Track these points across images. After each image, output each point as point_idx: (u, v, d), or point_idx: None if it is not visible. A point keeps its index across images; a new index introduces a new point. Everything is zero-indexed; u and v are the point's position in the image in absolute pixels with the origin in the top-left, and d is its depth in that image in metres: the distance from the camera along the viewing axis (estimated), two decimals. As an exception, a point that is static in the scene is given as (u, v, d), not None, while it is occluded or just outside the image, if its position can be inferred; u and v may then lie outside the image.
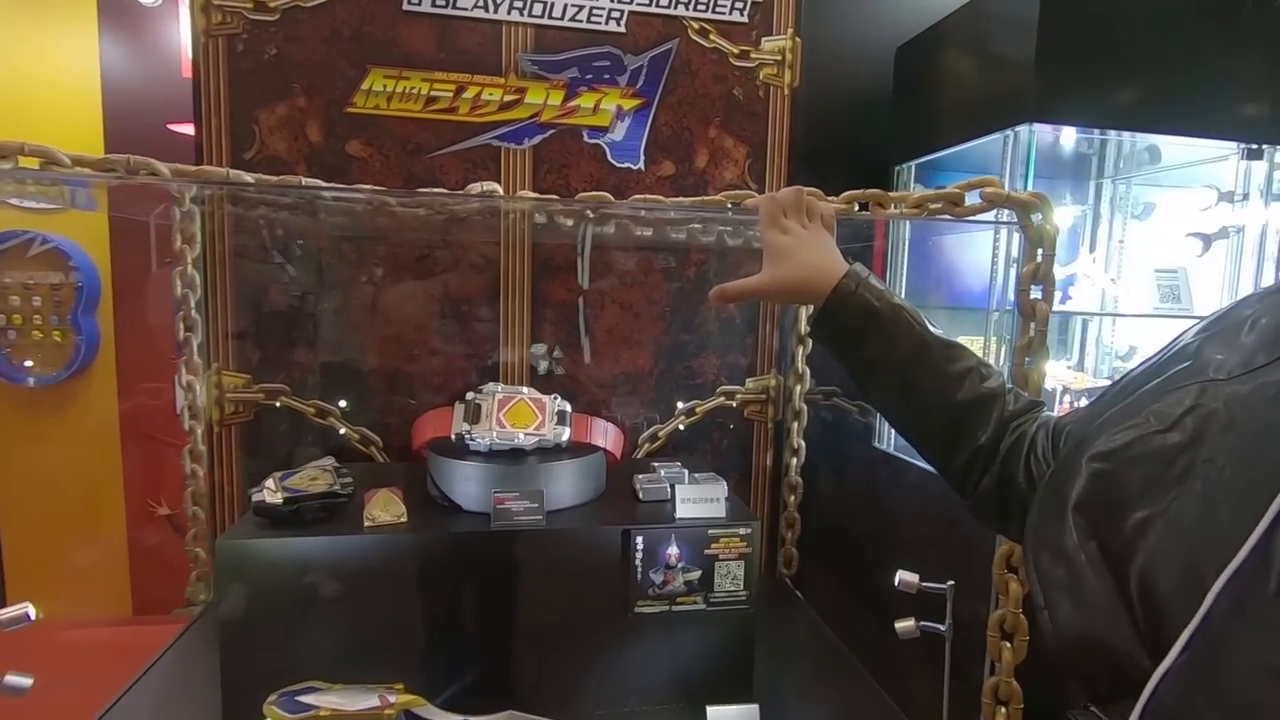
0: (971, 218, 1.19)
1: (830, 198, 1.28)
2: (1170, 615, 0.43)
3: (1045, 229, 1.09)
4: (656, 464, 1.78)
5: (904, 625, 1.23)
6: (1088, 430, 0.57)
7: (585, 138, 1.98)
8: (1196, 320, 0.63)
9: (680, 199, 1.63)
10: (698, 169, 2.04)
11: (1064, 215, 2.03)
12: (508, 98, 1.93)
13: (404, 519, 1.41)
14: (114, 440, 2.82)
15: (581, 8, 1.93)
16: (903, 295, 2.08)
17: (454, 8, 1.87)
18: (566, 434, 1.56)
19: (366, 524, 1.39)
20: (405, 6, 1.85)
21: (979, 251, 1.77)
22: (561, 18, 1.92)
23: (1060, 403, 1.95)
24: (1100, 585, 0.47)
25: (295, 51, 1.84)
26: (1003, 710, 1.17)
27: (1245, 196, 1.64)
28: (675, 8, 1.97)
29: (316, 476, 1.47)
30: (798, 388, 2.09)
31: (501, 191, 1.77)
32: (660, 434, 2.11)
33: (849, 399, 2.16)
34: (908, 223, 1.91)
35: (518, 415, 1.53)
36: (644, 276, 2.06)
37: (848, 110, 2.14)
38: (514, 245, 1.97)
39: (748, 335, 2.15)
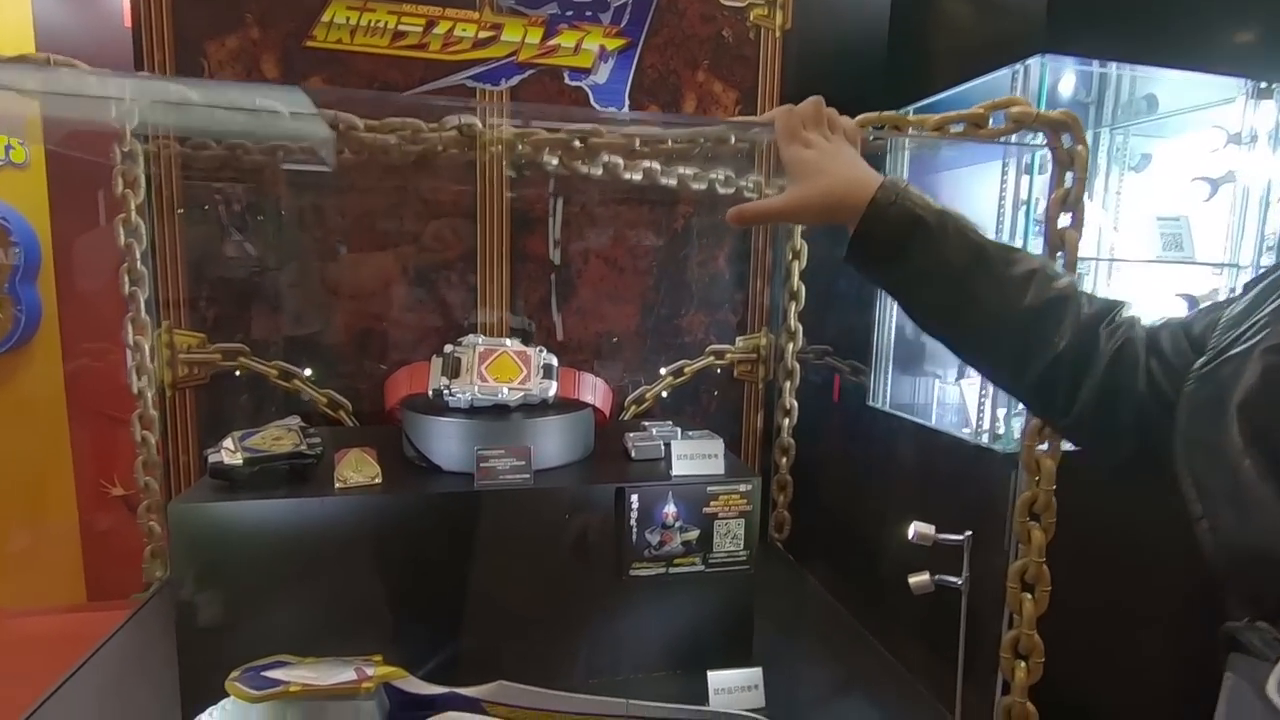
0: (997, 140, 1.11)
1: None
2: None
3: (1077, 151, 1.01)
4: (647, 423, 1.69)
5: (918, 579, 1.16)
6: (1243, 326, 0.49)
7: (566, 79, 1.86)
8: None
9: (676, 117, 1.53)
10: (685, 115, 1.93)
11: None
12: (482, 34, 1.79)
13: (378, 480, 1.30)
14: (60, 417, 2.63)
15: (561, -63, 1.79)
16: None
17: (423, -68, 1.73)
18: (554, 389, 1.45)
19: (337, 486, 1.27)
20: (369, -70, 1.70)
21: (982, 194, 1.70)
22: (540, -53, 1.79)
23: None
24: (1269, 493, 0.40)
25: (247, -24, 1.67)
26: (1022, 664, 1.11)
27: (1253, 138, 1.59)
28: (661, -61, 1.85)
29: (280, 436, 1.34)
30: (790, 345, 2.01)
31: (481, 126, 1.64)
32: (647, 396, 2.01)
33: (841, 357, 2.09)
34: (904, 164, 1.83)
35: (501, 369, 1.42)
36: (629, 230, 1.95)
37: (842, 53, 2.04)
38: (490, 197, 1.84)
39: (737, 291, 2.06)
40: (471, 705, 1.13)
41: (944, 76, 1.78)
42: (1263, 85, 1.56)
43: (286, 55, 1.71)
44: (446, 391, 1.40)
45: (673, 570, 1.37)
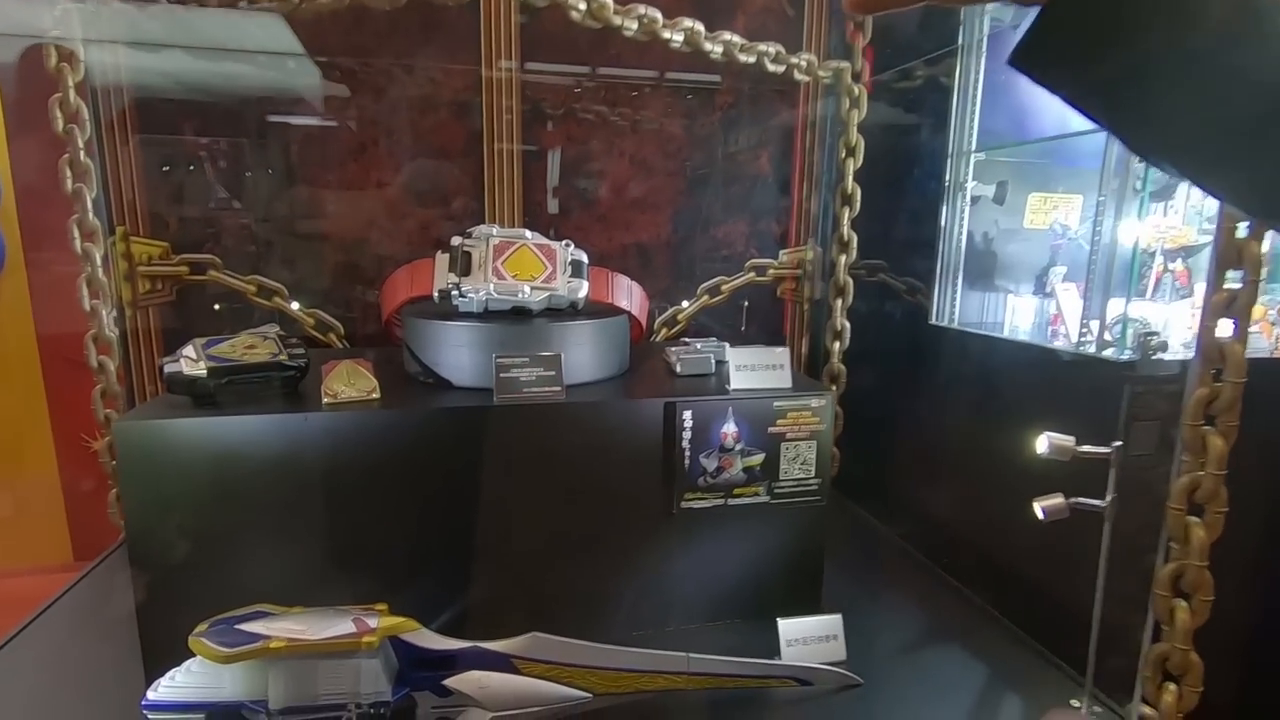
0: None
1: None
2: None
3: None
4: (689, 339, 1.45)
5: (1050, 503, 0.93)
6: None
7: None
8: None
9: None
10: (726, -17, 1.64)
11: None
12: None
13: (376, 395, 1.06)
14: (34, 367, 2.38)
15: None
16: (972, 142, 1.76)
17: None
18: (584, 289, 1.20)
19: (326, 401, 1.03)
20: None
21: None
22: None
23: (1152, 268, 1.65)
24: None
25: None
26: (1183, 604, 0.90)
27: None
28: None
29: (254, 344, 1.10)
30: (842, 258, 1.75)
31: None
32: (679, 317, 1.77)
33: (895, 274, 1.84)
34: (983, 46, 1.55)
35: (520, 264, 1.18)
36: (662, 122, 1.69)
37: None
38: (500, 84, 1.56)
39: (782, 197, 1.80)
40: (499, 662, 0.91)
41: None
42: None
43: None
44: (455, 292, 1.15)
45: (732, 502, 1.15)
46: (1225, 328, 0.84)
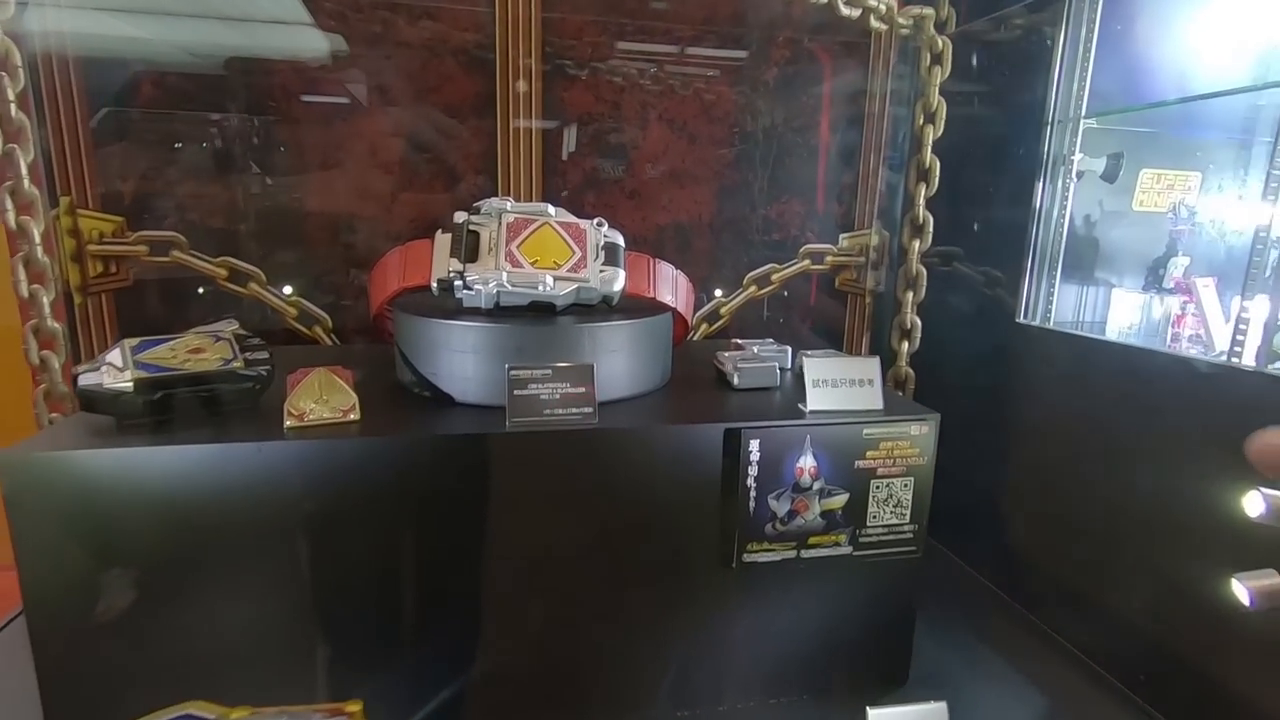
0: None
1: None
2: None
3: None
4: (741, 341, 1.20)
5: (1262, 584, 0.68)
6: None
7: None
8: None
9: None
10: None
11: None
12: None
13: (354, 415, 0.82)
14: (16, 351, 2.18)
15: None
16: (1082, 105, 1.47)
17: None
18: (620, 280, 0.95)
19: (288, 425, 0.79)
20: None
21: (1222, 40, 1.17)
22: None
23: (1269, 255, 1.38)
24: None
25: None
26: None
27: None
28: None
29: (201, 347, 0.86)
30: (915, 244, 1.49)
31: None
32: (722, 311, 1.52)
33: (972, 263, 1.57)
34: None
35: (541, 248, 0.93)
36: (705, 84, 1.42)
37: None
38: (514, 24, 1.31)
39: (845, 172, 1.53)
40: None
41: None
42: None
43: None
44: (459, 282, 0.91)
45: (806, 554, 0.90)
46: None
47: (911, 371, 1.54)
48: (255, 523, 0.77)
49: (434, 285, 0.93)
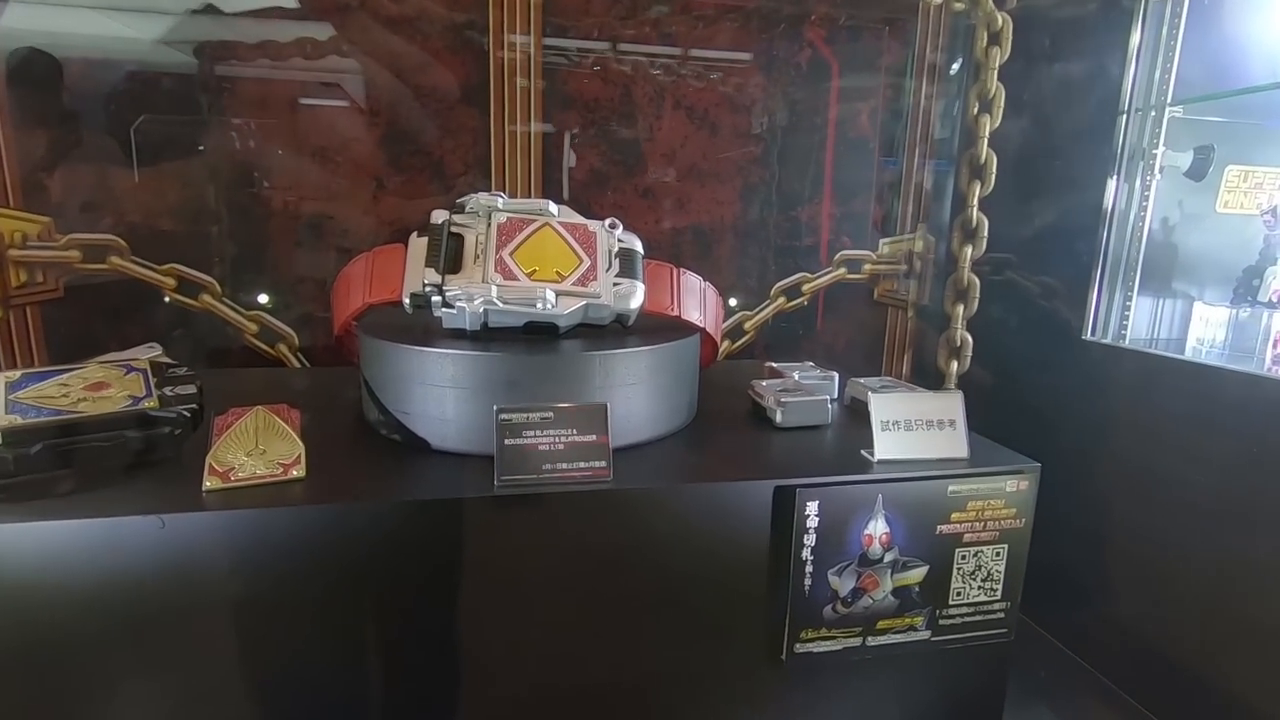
0: None
1: None
2: None
3: None
4: (777, 365, 1.01)
5: None
6: None
7: None
8: None
9: None
10: None
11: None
12: None
13: (299, 469, 0.63)
14: None
15: None
16: (1168, 92, 1.24)
17: None
18: (638, 296, 0.77)
19: (207, 486, 0.60)
20: None
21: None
22: None
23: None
24: None
25: None
26: None
27: None
28: None
29: (104, 382, 0.67)
30: (966, 250, 1.31)
31: None
32: (746, 326, 1.33)
33: (1029, 272, 1.38)
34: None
35: (541, 254, 0.74)
36: (728, 68, 1.24)
37: None
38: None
39: (886, 169, 1.35)
40: None
41: None
42: None
43: None
44: (437, 297, 0.72)
45: (874, 641, 0.72)
46: None
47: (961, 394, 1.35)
48: (159, 616, 0.58)
49: (406, 301, 0.74)
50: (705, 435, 0.81)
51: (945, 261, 1.34)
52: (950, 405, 0.75)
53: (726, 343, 1.32)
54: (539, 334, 0.76)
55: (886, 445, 0.72)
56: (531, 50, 1.15)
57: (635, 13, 1.18)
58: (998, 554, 0.73)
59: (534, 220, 0.76)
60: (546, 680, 0.68)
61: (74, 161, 1.08)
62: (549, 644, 0.66)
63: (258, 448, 0.64)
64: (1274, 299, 1.17)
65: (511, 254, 0.73)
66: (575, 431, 0.65)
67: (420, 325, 0.77)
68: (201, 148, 1.11)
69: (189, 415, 0.68)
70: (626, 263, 0.77)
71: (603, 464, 0.66)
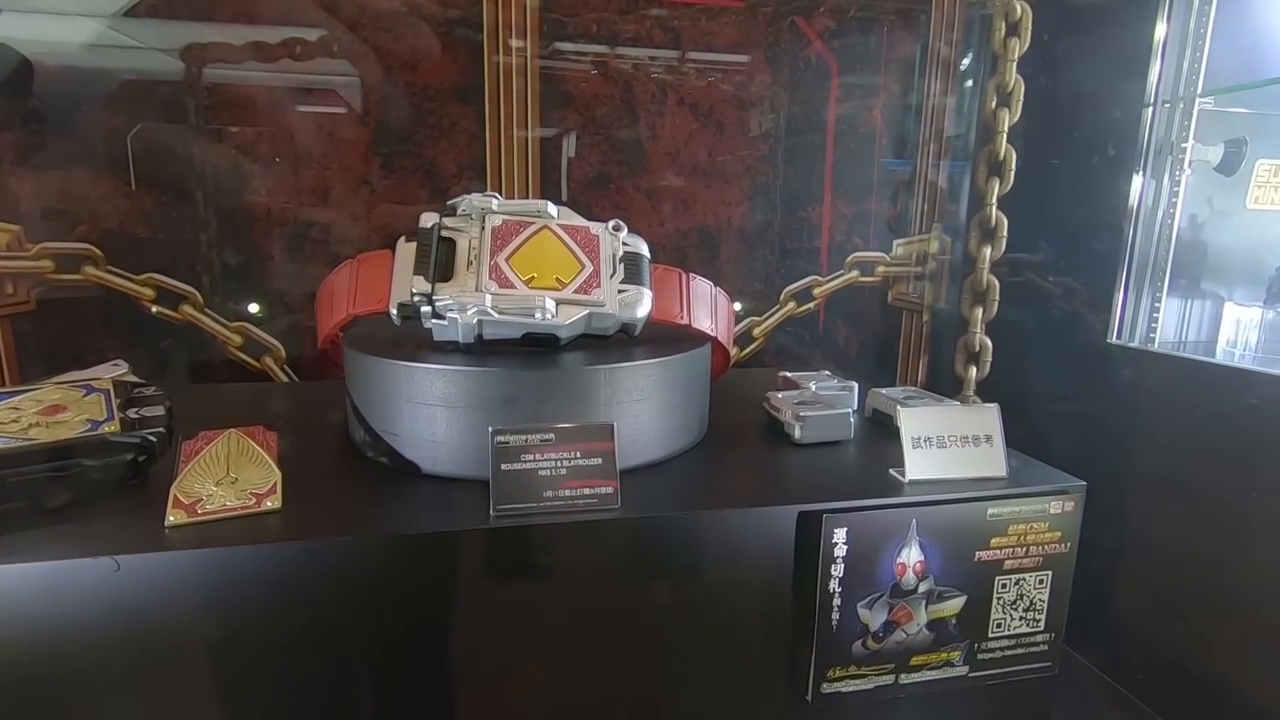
0: None
1: None
2: None
3: None
4: (793, 374, 0.95)
5: None
6: None
7: None
8: None
9: None
10: None
11: None
12: None
13: (274, 500, 0.57)
14: None
15: None
16: (1198, 83, 1.14)
17: None
18: (646, 304, 0.71)
19: (170, 521, 0.54)
20: None
21: None
22: None
23: None
24: None
25: None
26: None
27: None
28: None
29: (61, 404, 0.61)
30: (985, 251, 1.24)
31: None
32: (755, 332, 1.27)
33: (1051, 273, 1.32)
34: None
35: (539, 259, 0.68)
36: (734, 63, 1.18)
37: None
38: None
39: (899, 166, 1.29)
40: None
41: None
42: None
43: None
44: (427, 307, 0.66)
45: (908, 679, 0.65)
46: None
47: (980, 401, 1.29)
48: (119, 666, 0.52)
49: (394, 312, 0.68)
50: (719, 454, 0.75)
51: (962, 262, 1.28)
52: (986, 419, 0.69)
53: (735, 349, 1.26)
54: (538, 346, 0.70)
55: (918, 464, 0.66)
56: (528, 47, 1.09)
57: (637, 5, 1.13)
58: (1040, 581, 0.67)
59: (532, 223, 0.70)
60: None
61: (45, 166, 1.02)
62: (552, 691, 0.60)
63: (229, 475, 0.58)
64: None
65: (507, 260, 0.68)
66: (579, 454, 0.59)
67: (409, 338, 0.71)
68: (187, 152, 1.06)
69: (154, 440, 0.61)
70: (632, 268, 0.71)
71: (610, 490, 0.59)
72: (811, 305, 1.28)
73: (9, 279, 1.04)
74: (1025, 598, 0.67)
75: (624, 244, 0.72)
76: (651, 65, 1.15)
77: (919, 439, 0.67)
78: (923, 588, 0.64)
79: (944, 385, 1.32)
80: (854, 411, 0.85)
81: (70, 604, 0.50)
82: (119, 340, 1.09)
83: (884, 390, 0.88)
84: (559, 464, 0.59)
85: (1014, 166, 1.22)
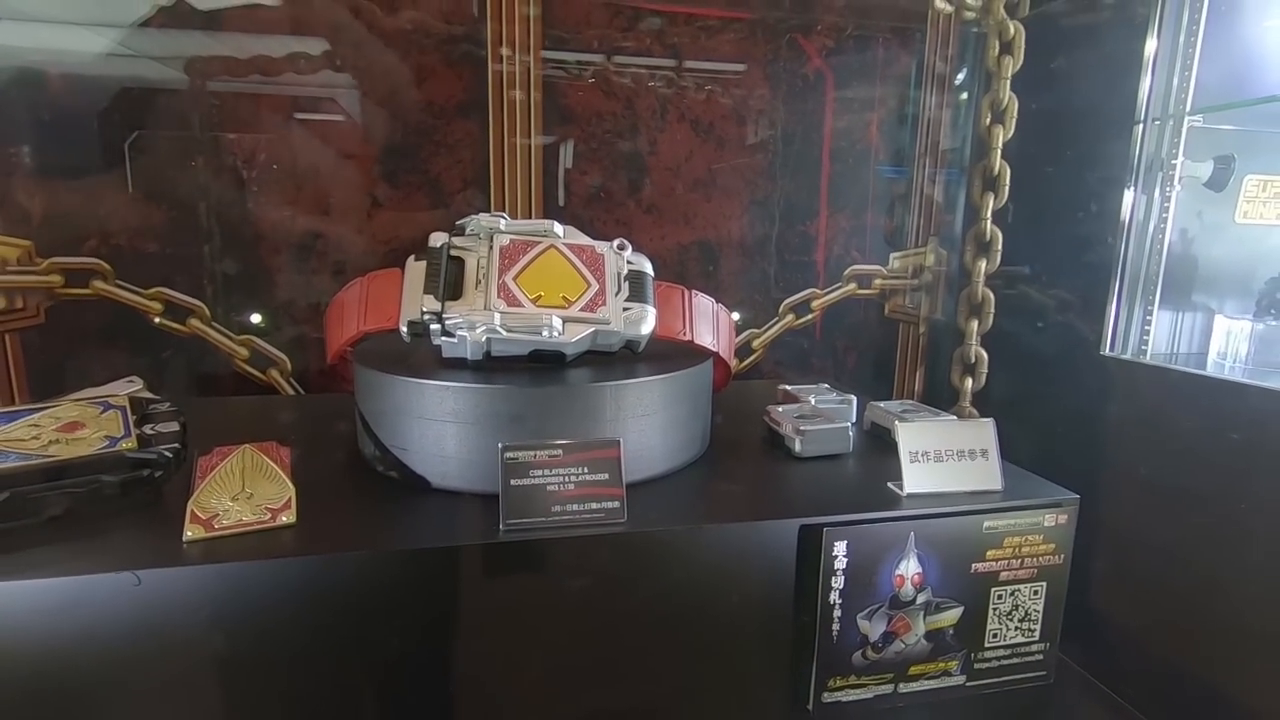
0: None
1: None
2: None
3: None
4: (791, 388, 0.97)
5: None
6: None
7: None
8: None
9: None
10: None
11: None
12: None
13: (288, 515, 0.59)
14: None
15: None
16: (1188, 100, 1.18)
17: None
18: (650, 321, 0.72)
19: (188, 536, 0.56)
20: None
21: None
22: None
23: None
24: None
25: None
26: None
27: None
28: None
29: (79, 421, 0.63)
30: (980, 264, 1.27)
31: None
32: (754, 344, 1.29)
33: (1044, 286, 1.34)
34: None
35: (546, 278, 0.70)
36: (734, 78, 1.20)
37: None
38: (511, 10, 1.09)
39: (896, 181, 1.32)
40: None
41: None
42: None
43: None
44: (436, 325, 0.67)
45: (906, 688, 0.67)
46: None
47: (976, 413, 1.31)
48: (139, 678, 0.53)
49: (404, 329, 0.70)
50: (721, 467, 0.77)
51: (957, 275, 1.31)
52: (982, 434, 0.71)
53: (735, 361, 1.28)
54: (544, 363, 0.72)
55: (916, 478, 0.68)
56: (531, 62, 1.11)
57: (638, 22, 1.15)
58: (1035, 592, 0.69)
59: (538, 242, 0.72)
60: (557, 737, 0.63)
61: (56, 181, 1.04)
62: (559, 700, 0.62)
63: (244, 491, 0.60)
64: (1293, 308, 1.13)
65: (515, 278, 0.69)
66: (586, 469, 0.61)
67: (418, 354, 0.73)
68: (192, 164, 1.07)
69: (170, 455, 0.63)
70: (636, 286, 0.73)
71: (615, 505, 0.61)
72: (810, 317, 1.30)
73: (19, 293, 1.05)
74: (1020, 608, 0.69)
75: (628, 262, 0.74)
76: (652, 80, 1.17)
77: (916, 453, 0.68)
78: (920, 599, 0.66)
79: (940, 396, 1.34)
80: (853, 425, 0.87)
81: (90, 618, 0.51)
82: (126, 352, 1.10)
83: (882, 404, 0.89)
84: (566, 479, 0.61)
85: (1008, 181, 1.24)
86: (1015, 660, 0.70)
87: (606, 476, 0.61)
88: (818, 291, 1.29)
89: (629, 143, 1.18)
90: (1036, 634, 0.70)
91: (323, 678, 0.57)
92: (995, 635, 0.68)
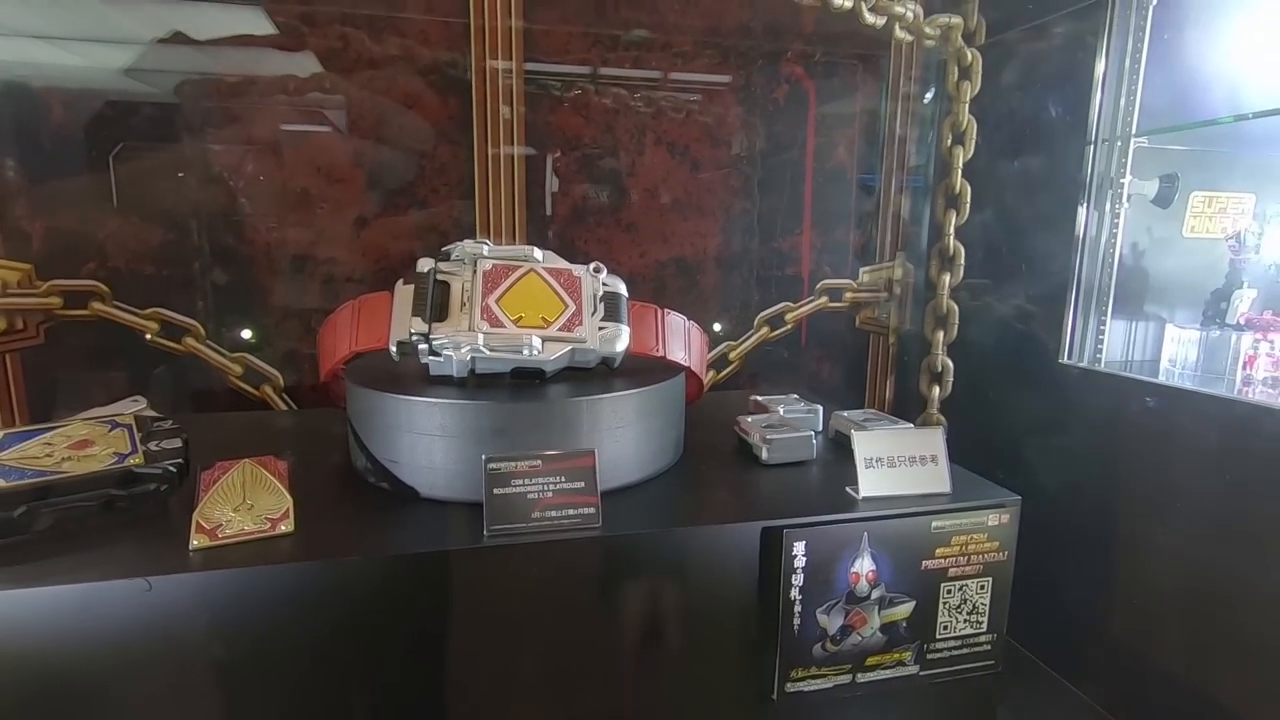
0: None
1: None
2: None
3: None
4: (761, 398, 1.03)
5: None
6: None
7: None
8: None
9: None
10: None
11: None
12: None
13: (287, 524, 0.63)
14: None
15: None
16: (1133, 123, 1.25)
17: None
18: (624, 339, 0.78)
19: (194, 545, 0.60)
20: None
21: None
22: None
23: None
24: None
25: None
26: None
27: None
28: None
29: (89, 439, 0.67)
30: (944, 278, 1.33)
31: None
32: (731, 356, 1.35)
33: (1005, 298, 1.41)
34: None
35: (526, 300, 0.75)
36: (708, 102, 1.26)
37: None
38: (495, 38, 1.14)
39: (864, 199, 1.38)
40: None
41: None
42: None
43: None
44: (423, 345, 0.72)
45: (864, 678, 0.72)
46: None
47: (943, 420, 1.37)
48: (151, 678, 0.58)
49: (393, 349, 0.74)
50: (693, 475, 0.82)
51: (924, 288, 1.37)
52: (932, 440, 0.76)
53: (712, 373, 1.33)
54: (525, 379, 0.77)
55: (870, 483, 0.73)
56: (514, 79, 1.16)
57: (615, 50, 1.21)
58: (982, 587, 0.74)
59: (519, 266, 0.77)
60: (539, 728, 0.68)
61: (52, 202, 1.08)
62: (540, 690, 0.67)
63: (245, 502, 0.64)
64: (1241, 321, 1.20)
65: (497, 301, 0.74)
66: (564, 478, 0.66)
67: (407, 372, 0.78)
68: (182, 181, 1.12)
69: (175, 470, 0.67)
70: (611, 306, 0.78)
71: (591, 511, 0.66)
72: (784, 330, 1.36)
73: (21, 315, 1.09)
74: (969, 602, 0.74)
75: (604, 284, 0.80)
76: (631, 101, 1.23)
77: (871, 459, 0.74)
78: (875, 594, 0.71)
79: (910, 404, 1.40)
80: (818, 433, 0.92)
81: (103, 621, 0.56)
82: (124, 371, 1.14)
83: (845, 413, 0.95)
84: (545, 487, 0.66)
85: (969, 199, 1.30)
86: (965, 650, 0.75)
87: (582, 485, 0.66)
88: (791, 305, 1.35)
89: (609, 164, 1.23)
90: (984, 625, 0.75)
91: (320, 675, 0.62)
92: (946, 627, 0.74)
